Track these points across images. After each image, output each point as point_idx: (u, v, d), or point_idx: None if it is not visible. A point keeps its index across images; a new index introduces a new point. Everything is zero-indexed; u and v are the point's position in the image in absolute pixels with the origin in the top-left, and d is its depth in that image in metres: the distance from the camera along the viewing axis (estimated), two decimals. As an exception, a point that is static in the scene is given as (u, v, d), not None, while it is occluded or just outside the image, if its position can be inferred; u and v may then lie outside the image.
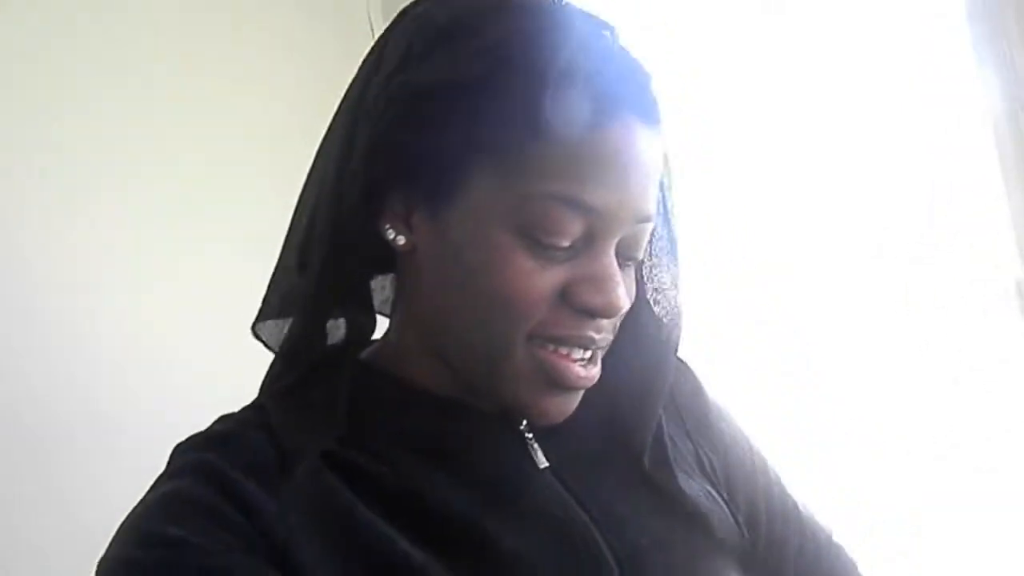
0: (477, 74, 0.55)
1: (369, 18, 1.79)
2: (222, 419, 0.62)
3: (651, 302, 0.68)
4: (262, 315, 0.66)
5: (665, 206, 0.67)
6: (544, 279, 0.56)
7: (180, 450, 0.59)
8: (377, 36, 0.63)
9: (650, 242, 0.66)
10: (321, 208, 0.61)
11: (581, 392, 0.61)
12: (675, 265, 0.69)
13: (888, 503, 1.33)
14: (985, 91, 1.22)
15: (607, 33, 0.59)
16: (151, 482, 0.58)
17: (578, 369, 0.59)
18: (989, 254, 1.27)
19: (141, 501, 0.56)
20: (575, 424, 0.61)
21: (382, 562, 0.54)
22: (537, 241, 0.55)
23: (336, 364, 0.63)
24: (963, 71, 1.24)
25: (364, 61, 0.63)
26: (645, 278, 0.68)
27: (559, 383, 0.59)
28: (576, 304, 0.57)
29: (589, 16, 0.59)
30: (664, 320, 0.68)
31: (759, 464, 0.74)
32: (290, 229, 0.65)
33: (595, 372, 0.60)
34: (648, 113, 0.57)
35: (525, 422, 0.63)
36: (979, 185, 1.27)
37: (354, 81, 0.63)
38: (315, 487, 0.55)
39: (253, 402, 0.63)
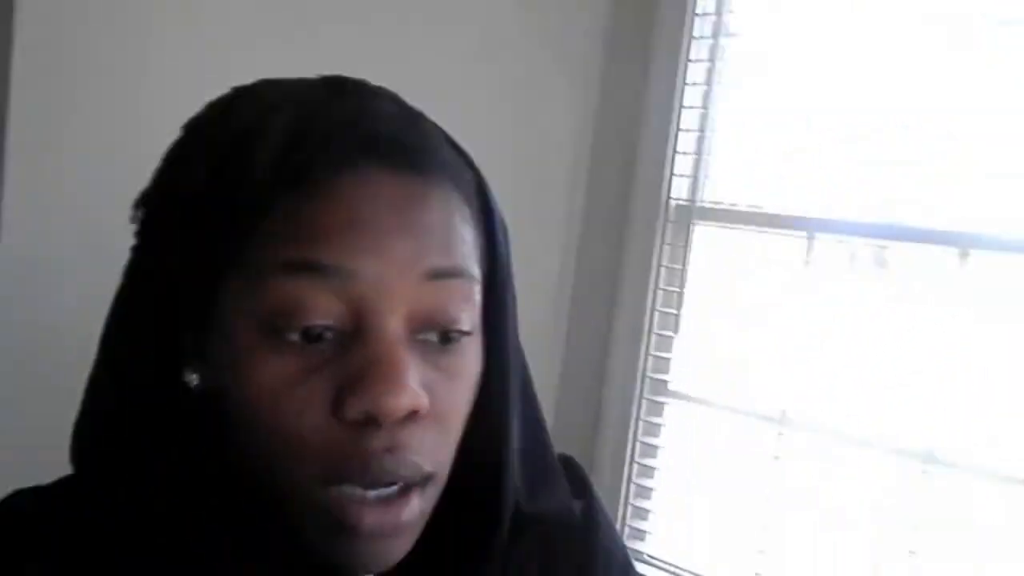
0: (196, 178, 0.46)
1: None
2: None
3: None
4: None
5: (498, 262, 0.52)
6: (304, 387, 0.43)
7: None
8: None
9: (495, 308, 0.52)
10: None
11: (412, 530, 0.47)
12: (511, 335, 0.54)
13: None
14: None
15: (327, 91, 0.49)
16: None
17: (376, 514, 0.44)
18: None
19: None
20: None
21: None
22: (280, 332, 0.43)
23: None
24: None
25: None
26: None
27: (355, 532, 0.45)
28: (350, 414, 0.43)
29: (316, 84, 0.50)
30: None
31: None
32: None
33: (412, 510, 0.46)
34: (399, 159, 0.47)
35: None
36: None
37: None
38: None
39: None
